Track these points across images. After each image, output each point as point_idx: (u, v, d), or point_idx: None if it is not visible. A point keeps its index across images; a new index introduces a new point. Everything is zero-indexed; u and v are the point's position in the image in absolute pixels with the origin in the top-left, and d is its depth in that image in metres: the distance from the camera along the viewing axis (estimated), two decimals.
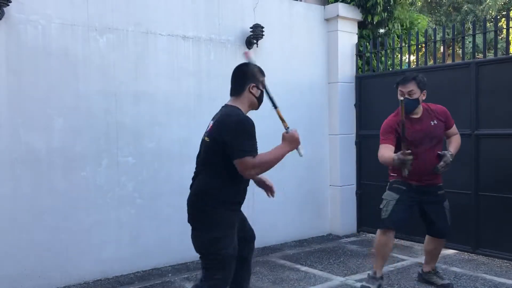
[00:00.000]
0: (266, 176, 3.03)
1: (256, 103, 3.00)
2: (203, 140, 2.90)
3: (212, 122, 2.89)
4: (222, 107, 2.94)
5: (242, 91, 2.92)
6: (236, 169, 2.65)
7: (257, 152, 2.71)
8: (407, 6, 6.54)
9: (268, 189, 3.11)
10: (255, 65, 3.01)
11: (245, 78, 2.94)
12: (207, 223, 2.74)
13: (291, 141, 2.93)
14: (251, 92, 2.93)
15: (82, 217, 4.15)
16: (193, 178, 2.94)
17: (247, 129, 2.73)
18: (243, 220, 3.06)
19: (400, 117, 3.50)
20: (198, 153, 2.94)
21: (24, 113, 3.87)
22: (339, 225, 5.89)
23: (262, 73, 3.01)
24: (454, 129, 3.86)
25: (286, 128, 2.98)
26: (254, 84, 2.94)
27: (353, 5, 5.95)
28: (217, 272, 2.69)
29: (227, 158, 2.66)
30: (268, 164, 2.73)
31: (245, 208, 5.24)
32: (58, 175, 4.03)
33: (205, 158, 2.83)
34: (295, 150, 2.96)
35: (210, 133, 2.80)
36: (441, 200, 3.86)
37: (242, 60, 5.41)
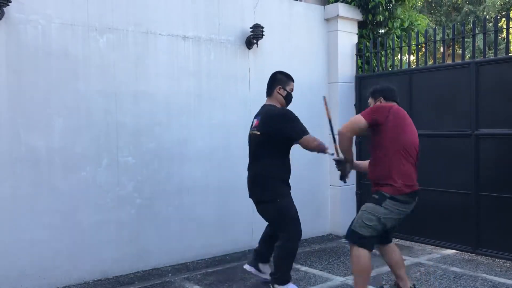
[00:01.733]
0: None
1: (284, 102, 3.84)
2: (251, 135, 3.81)
3: (256, 119, 3.78)
4: (262, 107, 3.86)
5: (272, 92, 3.82)
6: (284, 152, 3.74)
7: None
8: (408, 8, 6.53)
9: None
10: (283, 72, 3.89)
11: (274, 81, 3.81)
12: (274, 195, 3.65)
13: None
14: (278, 93, 3.79)
15: (82, 217, 4.15)
16: (249, 168, 3.85)
17: (295, 117, 3.65)
18: None
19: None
20: (250, 146, 3.84)
21: (24, 113, 3.87)
22: (339, 225, 5.89)
23: (289, 78, 3.86)
24: None
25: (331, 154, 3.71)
26: (281, 86, 3.79)
27: (354, 5, 5.95)
28: (290, 229, 3.69)
29: (278, 144, 3.65)
30: (319, 141, 3.65)
31: (245, 208, 5.29)
32: (58, 175, 4.03)
33: (257, 148, 3.73)
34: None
35: (258, 127, 3.69)
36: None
37: (242, 60, 5.46)
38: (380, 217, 3.24)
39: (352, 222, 3.41)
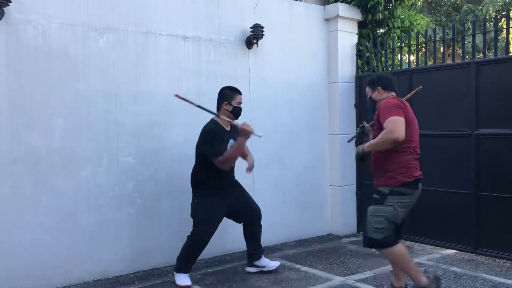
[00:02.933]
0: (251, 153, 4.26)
1: (232, 116, 4.05)
2: None
3: None
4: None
5: (219, 108, 4.09)
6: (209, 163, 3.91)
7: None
8: (408, 7, 6.54)
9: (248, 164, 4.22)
10: (229, 87, 4.16)
11: (220, 97, 4.11)
12: (193, 194, 4.21)
13: (243, 133, 3.79)
14: (225, 108, 4.06)
15: (82, 217, 4.15)
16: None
17: (210, 138, 3.92)
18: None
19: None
20: None
21: (24, 113, 3.87)
22: (339, 225, 5.89)
23: (235, 91, 4.11)
24: (384, 125, 3.31)
25: (236, 125, 3.82)
26: (227, 102, 4.04)
27: (354, 5, 5.95)
28: (196, 229, 4.13)
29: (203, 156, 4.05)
30: (231, 157, 3.86)
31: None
32: (58, 175, 4.03)
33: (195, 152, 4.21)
34: (253, 135, 3.78)
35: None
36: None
37: (242, 60, 5.45)
38: (387, 216, 3.29)
39: (366, 230, 3.45)
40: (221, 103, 4.06)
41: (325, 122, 5.95)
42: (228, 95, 4.04)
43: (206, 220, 4.01)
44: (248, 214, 4.34)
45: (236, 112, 4.07)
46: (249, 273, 4.38)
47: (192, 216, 4.09)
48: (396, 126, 3.19)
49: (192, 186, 4.13)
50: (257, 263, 4.39)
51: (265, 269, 4.37)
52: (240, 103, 4.08)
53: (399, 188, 3.29)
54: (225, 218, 5.03)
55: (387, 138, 3.22)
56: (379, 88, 3.56)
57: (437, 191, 5.06)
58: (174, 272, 4.11)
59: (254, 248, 4.40)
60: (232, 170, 4.16)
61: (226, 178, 4.08)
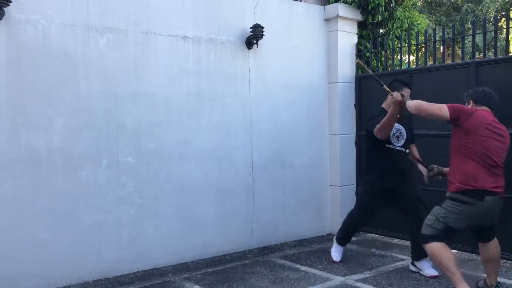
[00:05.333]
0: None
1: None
2: None
3: None
4: None
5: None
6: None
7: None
8: (408, 8, 6.54)
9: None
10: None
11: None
12: None
13: (394, 104, 3.93)
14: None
15: (82, 217, 4.15)
16: None
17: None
18: None
19: None
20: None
21: (24, 113, 3.87)
22: (339, 225, 5.85)
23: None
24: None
25: (391, 95, 4.03)
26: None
27: (354, 6, 5.95)
28: None
29: None
30: (384, 124, 4.05)
31: (245, 208, 5.29)
32: (58, 175, 4.03)
33: None
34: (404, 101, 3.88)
35: None
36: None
37: (242, 60, 5.44)
38: (438, 217, 3.45)
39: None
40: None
41: (325, 122, 5.95)
42: (397, 86, 4.22)
43: (361, 198, 4.63)
44: (409, 214, 4.37)
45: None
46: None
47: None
48: (440, 106, 3.47)
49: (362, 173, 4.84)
50: (416, 263, 4.35)
51: (421, 272, 4.30)
52: (405, 95, 4.09)
53: (456, 195, 3.39)
54: (222, 216, 5.03)
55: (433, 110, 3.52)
56: (471, 101, 3.67)
57: (437, 191, 5.04)
58: (334, 240, 4.83)
59: (412, 247, 4.41)
60: (401, 161, 4.30)
61: (393, 166, 4.29)
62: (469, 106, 3.66)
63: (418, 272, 4.31)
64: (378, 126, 4.09)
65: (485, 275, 3.87)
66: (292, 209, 5.60)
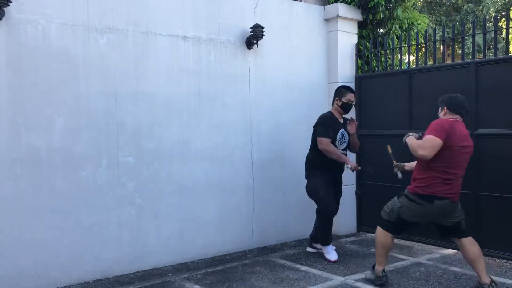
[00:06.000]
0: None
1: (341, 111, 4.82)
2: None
3: None
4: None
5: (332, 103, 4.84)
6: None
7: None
8: (408, 8, 6.54)
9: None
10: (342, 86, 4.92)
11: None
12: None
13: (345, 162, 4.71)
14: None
15: (82, 217, 4.15)
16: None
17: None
18: None
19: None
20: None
21: (24, 113, 3.87)
22: (339, 225, 5.89)
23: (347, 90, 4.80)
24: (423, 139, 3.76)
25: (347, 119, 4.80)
26: (338, 98, 4.76)
27: (354, 5, 5.95)
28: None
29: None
30: (331, 153, 4.62)
31: (245, 208, 5.29)
32: (58, 175, 4.03)
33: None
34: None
35: None
36: None
37: (242, 60, 5.46)
38: (394, 208, 3.85)
39: None
40: (334, 99, 4.77)
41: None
42: (341, 92, 4.73)
43: (320, 192, 4.69)
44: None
45: (345, 107, 4.75)
46: (308, 252, 5.09)
47: (310, 196, 4.82)
48: (428, 145, 3.55)
49: (306, 170, 4.87)
50: (315, 245, 5.01)
51: (321, 251, 4.90)
52: (349, 100, 4.70)
53: (412, 196, 3.74)
54: (222, 216, 5.07)
55: (416, 151, 3.62)
56: (445, 108, 3.82)
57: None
58: (322, 246, 4.87)
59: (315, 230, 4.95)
60: (341, 163, 4.71)
61: (334, 162, 4.65)
62: (442, 112, 3.83)
63: (318, 252, 4.97)
64: (325, 146, 4.57)
65: (474, 273, 3.94)
66: (292, 209, 5.60)
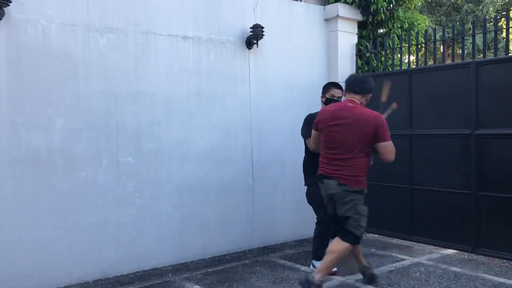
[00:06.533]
0: None
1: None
2: None
3: None
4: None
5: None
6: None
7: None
8: (412, 8, 6.54)
9: None
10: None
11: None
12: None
13: None
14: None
15: (82, 217, 4.15)
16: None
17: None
18: None
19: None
20: None
21: (24, 113, 3.87)
22: None
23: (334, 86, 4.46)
24: None
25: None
26: (322, 95, 4.42)
27: (355, 6, 5.95)
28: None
29: None
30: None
31: (245, 208, 5.29)
32: (58, 175, 4.03)
33: None
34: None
35: None
36: None
37: (242, 60, 5.44)
38: (365, 215, 3.68)
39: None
40: (320, 96, 4.51)
41: None
42: (325, 88, 4.45)
43: (316, 201, 4.24)
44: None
45: (328, 103, 4.33)
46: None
47: (309, 203, 4.50)
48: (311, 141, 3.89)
49: (303, 176, 4.51)
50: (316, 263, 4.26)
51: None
52: (333, 95, 4.34)
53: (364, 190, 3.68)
54: (222, 216, 5.05)
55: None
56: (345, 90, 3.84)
57: (437, 191, 5.06)
58: (313, 261, 4.36)
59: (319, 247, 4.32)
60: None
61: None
62: (343, 94, 3.92)
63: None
64: (313, 144, 4.07)
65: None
66: (292, 209, 5.59)
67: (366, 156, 3.60)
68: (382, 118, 3.58)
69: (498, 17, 5.46)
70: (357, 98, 3.68)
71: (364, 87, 3.70)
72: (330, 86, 4.48)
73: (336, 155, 3.58)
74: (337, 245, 3.56)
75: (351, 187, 3.54)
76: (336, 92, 4.40)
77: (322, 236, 4.29)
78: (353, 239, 3.56)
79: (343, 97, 4.12)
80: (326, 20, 5.94)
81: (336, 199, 3.61)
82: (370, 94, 3.76)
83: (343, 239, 3.56)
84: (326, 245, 4.00)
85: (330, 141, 3.63)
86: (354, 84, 3.72)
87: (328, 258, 3.56)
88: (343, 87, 3.98)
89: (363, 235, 5.86)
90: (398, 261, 4.74)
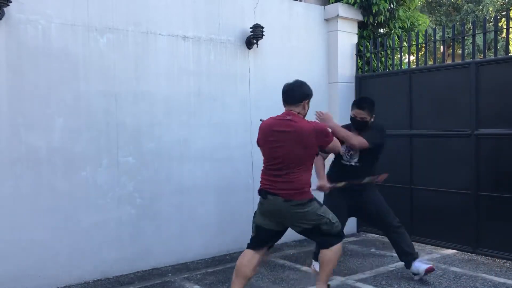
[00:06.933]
0: None
1: None
2: None
3: None
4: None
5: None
6: None
7: None
8: (412, 8, 6.54)
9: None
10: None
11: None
12: None
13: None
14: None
15: (82, 217, 4.15)
16: None
17: None
18: None
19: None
20: None
21: (24, 113, 3.87)
22: None
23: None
24: None
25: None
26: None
27: (356, 7, 5.95)
28: None
29: None
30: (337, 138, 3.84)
31: (245, 208, 5.29)
32: (58, 175, 4.03)
33: None
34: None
35: None
36: None
37: (242, 60, 5.45)
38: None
39: None
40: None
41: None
42: (351, 105, 4.24)
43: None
44: (379, 225, 4.37)
45: (352, 122, 4.21)
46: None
47: None
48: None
49: None
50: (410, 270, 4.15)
51: (416, 278, 4.11)
52: (355, 115, 4.13)
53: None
54: (222, 216, 5.03)
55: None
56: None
57: (437, 191, 5.06)
58: (313, 261, 4.25)
59: (398, 255, 4.24)
60: (351, 173, 4.19)
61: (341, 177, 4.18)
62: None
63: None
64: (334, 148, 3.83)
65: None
66: None
67: (308, 170, 3.33)
68: (322, 125, 3.43)
69: (498, 17, 5.45)
70: (293, 109, 3.44)
71: (295, 97, 3.46)
72: (353, 105, 4.23)
73: (278, 171, 3.30)
74: (328, 254, 3.34)
75: (300, 200, 3.26)
76: (357, 113, 4.11)
77: None
78: (337, 238, 3.37)
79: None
80: (326, 20, 5.94)
81: (286, 216, 3.33)
82: (308, 100, 3.48)
83: (329, 245, 3.34)
84: None
85: (270, 157, 3.37)
86: (285, 96, 3.51)
87: (325, 269, 3.37)
88: (368, 106, 3.97)
89: (363, 235, 5.89)
90: (398, 261, 4.73)
